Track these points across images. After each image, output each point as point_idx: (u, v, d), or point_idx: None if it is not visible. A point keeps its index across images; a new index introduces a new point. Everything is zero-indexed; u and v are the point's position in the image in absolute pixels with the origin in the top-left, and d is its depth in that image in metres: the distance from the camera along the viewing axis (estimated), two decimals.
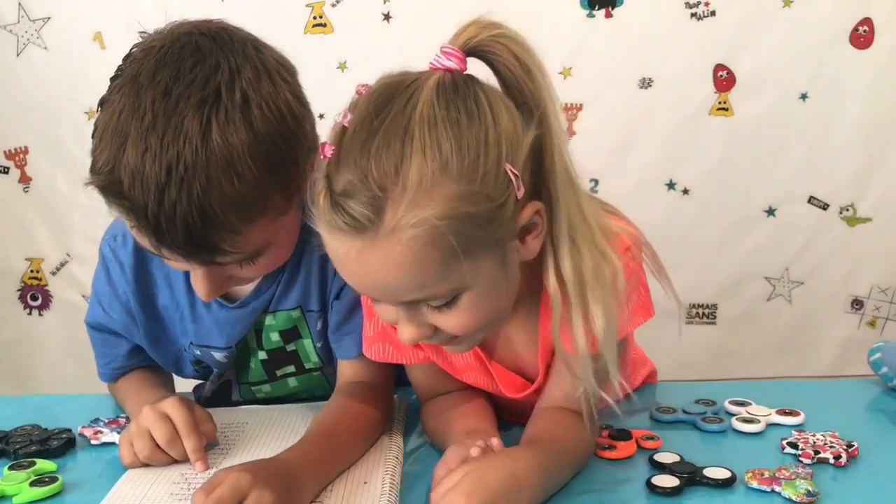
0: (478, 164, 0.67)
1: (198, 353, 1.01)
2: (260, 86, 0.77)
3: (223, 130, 0.73)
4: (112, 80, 0.80)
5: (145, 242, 0.79)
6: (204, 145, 0.73)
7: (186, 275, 0.96)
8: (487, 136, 0.68)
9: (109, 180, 0.75)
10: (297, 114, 0.80)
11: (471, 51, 0.72)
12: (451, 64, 0.71)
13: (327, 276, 0.96)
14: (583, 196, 0.77)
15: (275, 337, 1.00)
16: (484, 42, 0.72)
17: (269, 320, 0.99)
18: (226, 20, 0.84)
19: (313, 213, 0.71)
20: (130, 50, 0.81)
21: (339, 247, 0.70)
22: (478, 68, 0.75)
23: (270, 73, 0.79)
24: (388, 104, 0.68)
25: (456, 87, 0.70)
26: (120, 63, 0.81)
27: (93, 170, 0.78)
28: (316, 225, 0.71)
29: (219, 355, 1.01)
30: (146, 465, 0.87)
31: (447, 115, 0.67)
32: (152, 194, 0.73)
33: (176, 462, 0.88)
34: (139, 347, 1.04)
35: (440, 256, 0.68)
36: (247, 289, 0.97)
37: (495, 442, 0.76)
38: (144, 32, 0.81)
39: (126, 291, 0.99)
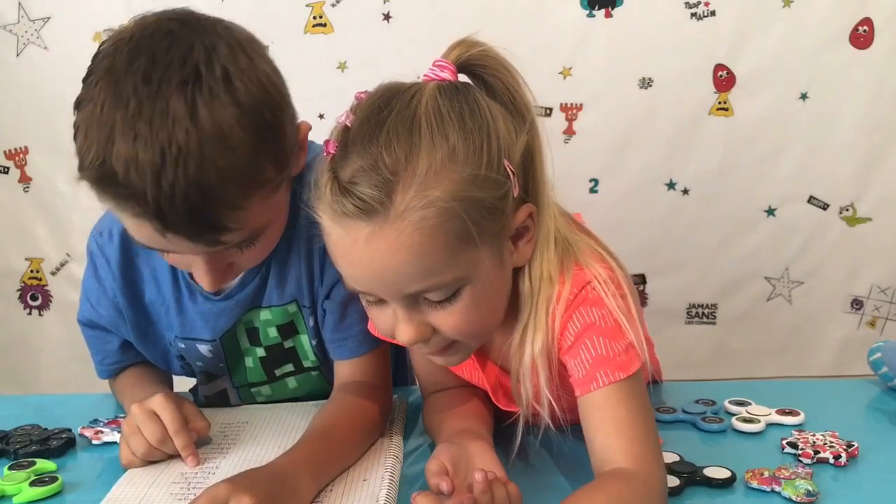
0: (482, 153, 0.71)
1: (182, 346, 1.01)
2: (237, 60, 0.77)
3: (210, 107, 0.73)
4: (84, 80, 0.79)
5: (146, 233, 0.78)
6: (193, 124, 0.72)
7: (173, 269, 0.97)
8: (489, 129, 0.72)
9: (102, 172, 0.74)
10: (276, 84, 0.80)
11: (462, 65, 0.76)
12: (445, 75, 0.75)
13: (314, 272, 0.96)
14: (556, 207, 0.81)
15: (273, 333, 1.00)
16: (475, 56, 0.77)
17: (263, 315, 0.99)
18: (223, 18, 0.83)
19: (316, 207, 0.73)
20: (98, 48, 0.80)
21: (344, 235, 0.71)
22: None
23: (244, 47, 0.79)
24: (391, 101, 0.72)
25: (456, 88, 0.74)
26: (90, 64, 0.80)
27: (82, 167, 0.77)
28: (319, 217, 0.73)
29: (203, 348, 1.01)
30: (144, 464, 0.87)
31: (451, 107, 0.71)
32: (149, 178, 0.72)
33: (176, 458, 0.88)
34: (129, 342, 1.04)
35: (448, 240, 0.70)
36: (231, 281, 0.97)
37: (478, 476, 0.72)
38: (109, 29, 0.81)
39: (113, 287, 1.00)
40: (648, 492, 0.72)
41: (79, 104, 0.78)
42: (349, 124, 0.72)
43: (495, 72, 0.77)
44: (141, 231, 0.78)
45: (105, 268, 1.00)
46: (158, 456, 0.87)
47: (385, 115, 0.71)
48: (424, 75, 0.75)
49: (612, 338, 0.76)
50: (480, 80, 0.78)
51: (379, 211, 0.68)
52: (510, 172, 0.73)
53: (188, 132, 0.72)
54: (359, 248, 0.71)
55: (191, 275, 0.96)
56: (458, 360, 0.83)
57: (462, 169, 0.70)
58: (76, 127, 0.78)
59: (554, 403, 0.79)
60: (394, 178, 0.68)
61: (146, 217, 0.75)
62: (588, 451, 0.77)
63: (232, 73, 0.75)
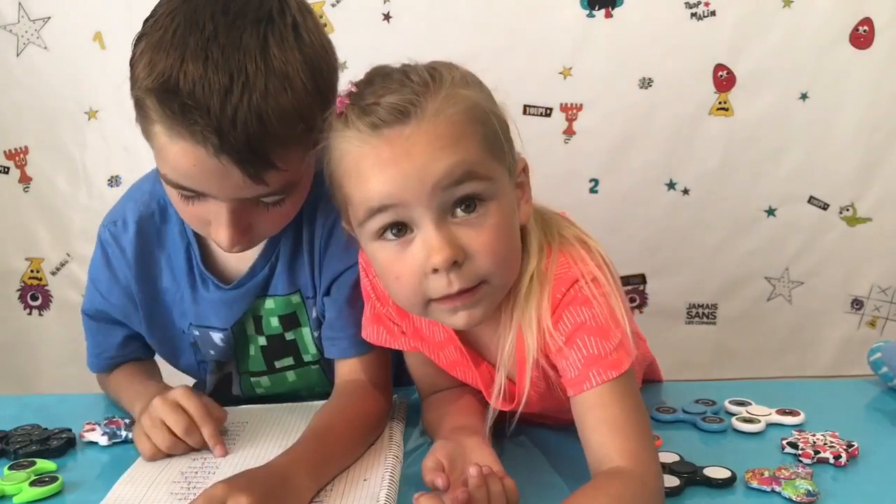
0: (483, 87, 0.79)
1: (197, 333, 1.02)
2: (305, 18, 0.84)
3: (279, 48, 0.79)
4: (149, 18, 0.83)
5: (197, 157, 0.79)
6: (263, 59, 0.78)
7: (188, 256, 0.99)
8: (481, 81, 0.80)
9: (168, 86, 0.77)
10: (333, 51, 0.88)
11: None
12: None
13: (314, 263, 0.98)
14: None
15: (274, 322, 1.01)
16: None
17: (268, 304, 1.00)
18: None
19: (338, 143, 0.76)
20: None
21: (378, 143, 0.73)
22: None
23: (311, 11, 0.86)
24: (391, 64, 0.77)
25: None
26: (154, 7, 0.84)
27: (142, 84, 0.79)
28: (343, 150, 0.75)
29: (217, 336, 1.01)
30: (167, 455, 0.88)
31: (448, 63, 0.78)
32: (216, 97, 0.76)
33: (176, 457, 0.89)
34: (132, 337, 1.05)
35: (478, 136, 0.74)
36: (241, 269, 0.98)
37: (472, 471, 0.72)
38: None
39: (127, 276, 1.01)
40: (647, 491, 0.72)
41: (143, 35, 0.81)
42: (354, 89, 0.76)
43: None
44: (191, 156, 0.79)
45: (118, 257, 1.01)
46: (180, 448, 0.88)
47: (394, 67, 0.76)
48: None
49: (602, 336, 0.77)
50: None
51: (415, 112, 0.72)
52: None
53: (257, 66, 0.77)
54: (396, 150, 0.72)
55: (203, 259, 0.97)
56: (480, 314, 0.78)
57: (479, 89, 0.77)
58: (139, 52, 0.81)
59: (537, 367, 0.80)
60: (423, 87, 0.73)
61: (204, 135, 0.77)
62: (584, 450, 0.77)
63: (301, 25, 0.82)
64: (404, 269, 0.76)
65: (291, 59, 0.79)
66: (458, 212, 0.74)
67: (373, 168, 0.73)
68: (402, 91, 0.73)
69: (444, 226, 0.74)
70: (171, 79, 0.77)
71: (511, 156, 0.79)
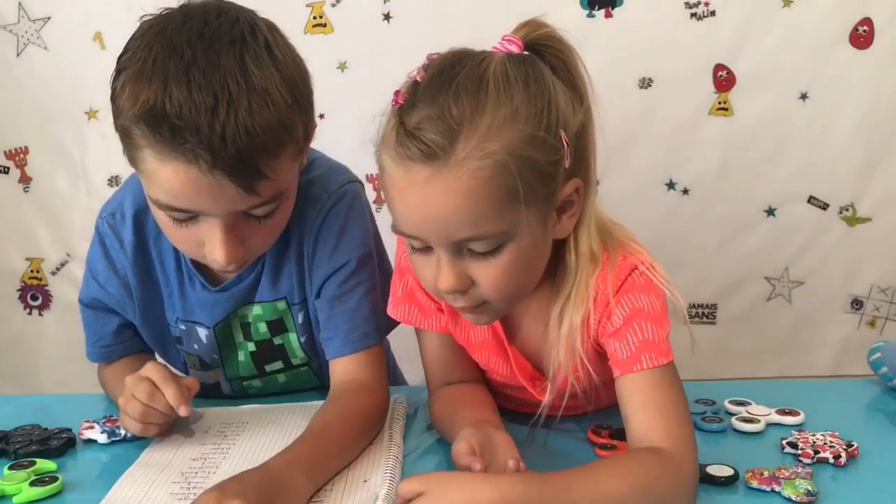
0: (542, 117, 0.75)
1: (182, 328, 1.04)
2: (275, 36, 0.87)
3: (256, 65, 0.82)
4: (123, 53, 0.84)
5: (190, 177, 0.80)
6: (242, 77, 0.80)
7: (176, 253, 1.01)
8: (550, 97, 0.76)
9: (156, 112, 0.79)
10: (303, 63, 0.90)
11: (528, 43, 0.81)
12: (513, 49, 0.79)
13: (304, 270, 0.99)
14: None
15: (262, 328, 1.03)
16: (541, 36, 0.82)
17: (256, 310, 1.01)
18: None
19: (379, 150, 0.77)
20: (141, 24, 0.86)
21: (404, 176, 0.74)
22: None
23: (278, 29, 0.89)
24: (462, 60, 0.76)
25: (523, 58, 0.79)
26: (130, 39, 0.85)
27: (128, 111, 0.81)
28: (381, 159, 0.78)
29: (202, 332, 1.03)
30: (156, 430, 0.91)
31: (517, 72, 0.76)
32: (203, 116, 0.78)
33: (176, 457, 0.89)
34: (126, 326, 1.07)
35: (500, 193, 0.73)
36: (229, 273, 0.99)
37: (511, 464, 0.75)
38: (147, 15, 0.87)
39: (125, 266, 1.02)
40: (681, 473, 0.74)
41: (120, 70, 0.83)
42: (419, 79, 0.76)
43: (559, 52, 0.82)
44: (184, 175, 0.81)
45: (117, 248, 1.02)
46: (154, 416, 0.89)
47: (456, 71, 0.75)
48: (493, 47, 0.79)
49: (657, 324, 0.81)
50: (544, 59, 0.81)
51: (440, 156, 0.72)
52: (565, 142, 0.77)
53: (238, 84, 0.80)
54: (416, 190, 0.74)
55: (193, 262, 0.98)
56: (486, 321, 0.85)
57: (522, 128, 0.74)
58: (119, 85, 0.83)
59: (592, 370, 0.82)
60: (458, 127, 0.72)
61: (196, 153, 0.79)
62: (625, 432, 0.80)
63: (272, 44, 0.85)
64: (423, 273, 0.82)
65: (269, 76, 0.82)
66: (474, 246, 0.76)
67: (397, 199, 0.77)
68: (436, 126, 0.72)
69: (457, 259, 0.77)
70: (157, 104, 0.79)
71: (550, 188, 0.77)
